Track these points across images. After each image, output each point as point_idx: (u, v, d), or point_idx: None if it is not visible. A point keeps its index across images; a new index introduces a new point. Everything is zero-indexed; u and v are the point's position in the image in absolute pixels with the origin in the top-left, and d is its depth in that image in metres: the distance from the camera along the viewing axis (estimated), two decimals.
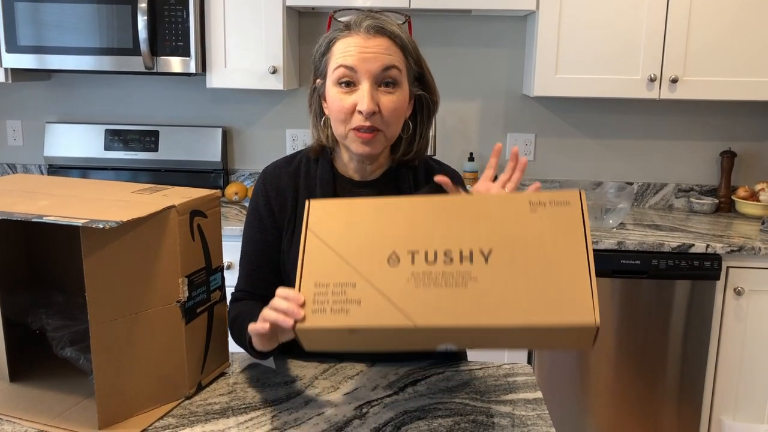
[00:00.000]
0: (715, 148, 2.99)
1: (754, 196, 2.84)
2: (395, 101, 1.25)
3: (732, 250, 2.37)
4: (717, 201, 2.93)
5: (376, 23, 1.25)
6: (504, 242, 0.99)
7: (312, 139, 1.39)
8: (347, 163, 1.37)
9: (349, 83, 1.24)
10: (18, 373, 1.25)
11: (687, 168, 3.03)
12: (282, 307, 0.99)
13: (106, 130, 3.04)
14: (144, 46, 2.56)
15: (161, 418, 1.14)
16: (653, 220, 2.76)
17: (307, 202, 1.07)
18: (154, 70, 2.62)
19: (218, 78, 2.71)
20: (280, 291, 1.03)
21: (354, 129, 1.25)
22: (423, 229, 1.02)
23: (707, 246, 2.37)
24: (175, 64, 2.62)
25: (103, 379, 1.07)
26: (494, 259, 0.98)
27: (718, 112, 2.97)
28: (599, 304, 0.94)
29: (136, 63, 2.62)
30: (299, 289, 1.00)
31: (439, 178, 1.22)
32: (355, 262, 1.02)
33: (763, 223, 2.61)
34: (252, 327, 1.08)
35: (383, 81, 1.24)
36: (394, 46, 1.25)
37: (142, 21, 2.54)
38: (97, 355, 1.05)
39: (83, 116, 3.14)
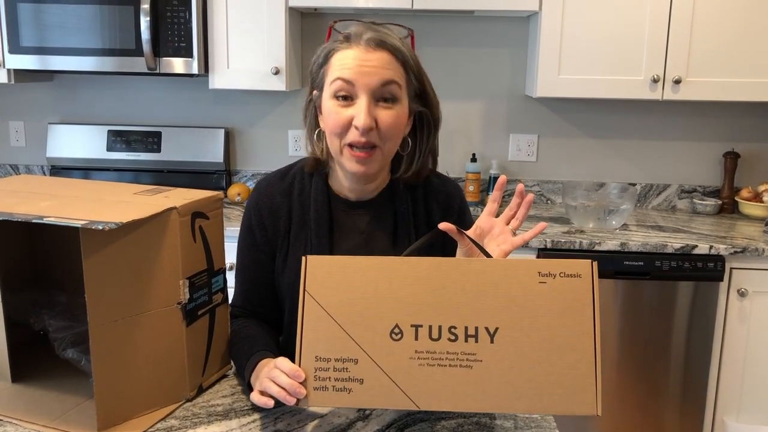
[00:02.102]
0: (719, 149, 2.98)
1: (757, 197, 2.83)
2: (394, 116, 1.21)
3: (735, 252, 2.36)
4: (720, 202, 2.92)
5: (377, 36, 1.20)
6: (510, 319, 0.97)
7: (307, 151, 1.35)
8: (342, 181, 1.32)
9: (346, 97, 1.20)
10: (20, 373, 1.25)
11: (690, 169, 3.02)
12: (284, 384, 1.00)
13: (109, 131, 3.04)
14: (147, 47, 2.57)
15: (163, 419, 1.13)
16: (656, 221, 2.76)
17: (303, 260, 1.02)
18: (157, 71, 2.63)
19: (221, 79, 2.71)
20: (281, 364, 1.03)
21: (349, 145, 1.21)
22: (427, 298, 0.99)
23: (710, 247, 2.37)
24: (177, 65, 2.62)
25: (103, 381, 1.07)
26: (500, 338, 0.97)
27: (721, 113, 2.96)
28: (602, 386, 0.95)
29: (139, 64, 2.62)
30: (299, 362, 1.00)
31: (444, 226, 1.17)
32: (356, 334, 0.99)
33: (766, 224, 2.60)
34: (256, 399, 1.06)
35: (382, 96, 1.20)
36: (395, 61, 1.21)
37: (144, 22, 2.54)
38: (96, 357, 1.05)
39: (86, 117, 3.14)
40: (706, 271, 2.38)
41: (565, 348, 0.96)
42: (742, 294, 2.40)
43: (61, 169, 3.08)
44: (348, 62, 1.19)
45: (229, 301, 1.31)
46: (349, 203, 1.33)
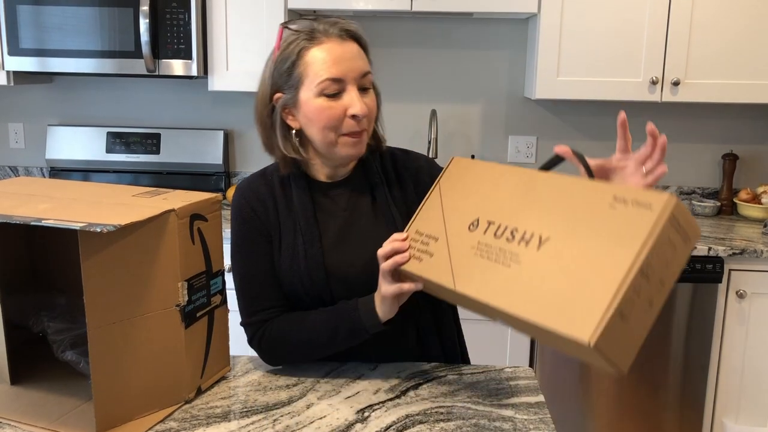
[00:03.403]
0: (717, 150, 2.99)
1: (756, 199, 2.83)
2: (374, 101, 1.29)
3: (734, 253, 2.36)
4: (719, 204, 2.92)
5: (345, 25, 1.26)
6: (565, 233, 0.98)
7: (274, 157, 1.35)
8: (318, 168, 1.36)
9: (335, 92, 1.24)
10: (19, 375, 1.25)
11: (689, 170, 3.02)
12: (386, 248, 1.17)
13: (108, 133, 3.04)
14: (146, 48, 2.57)
15: (162, 421, 1.13)
16: None
17: (451, 159, 1.22)
18: (156, 73, 2.63)
19: (220, 81, 2.71)
20: (382, 250, 1.18)
21: (344, 134, 1.26)
22: (512, 203, 1.08)
23: (709, 249, 2.37)
24: (176, 67, 2.62)
25: (101, 383, 1.07)
26: (546, 247, 0.99)
27: (720, 115, 2.97)
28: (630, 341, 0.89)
29: (138, 66, 2.62)
30: (406, 230, 1.19)
31: (559, 149, 1.17)
32: (448, 219, 1.14)
33: (765, 226, 2.61)
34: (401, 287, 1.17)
35: (363, 86, 1.26)
36: (362, 50, 1.28)
37: (144, 24, 2.54)
38: (95, 359, 1.05)
39: (85, 119, 3.14)
40: (705, 272, 2.39)
41: (596, 272, 0.91)
42: (740, 295, 2.40)
43: (60, 171, 3.08)
44: (330, 58, 1.23)
45: (228, 306, 1.30)
46: (327, 185, 1.37)
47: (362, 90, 1.26)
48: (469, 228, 1.10)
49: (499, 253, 1.03)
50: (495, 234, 1.06)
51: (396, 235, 1.18)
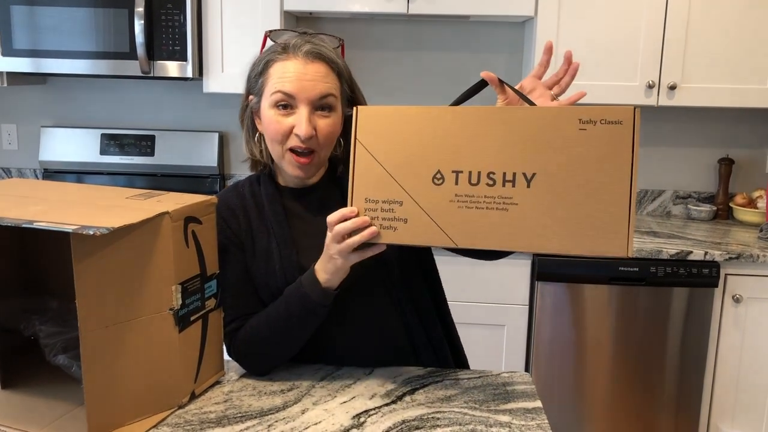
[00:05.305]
0: (713, 155, 2.99)
1: (752, 204, 2.83)
2: (331, 125, 1.27)
3: (730, 258, 2.36)
4: (715, 208, 2.92)
5: (314, 48, 1.26)
6: (548, 165, 1.02)
7: (246, 154, 1.40)
8: (286, 176, 1.37)
9: (286, 106, 1.25)
10: (10, 380, 1.24)
11: (685, 175, 3.02)
12: (349, 228, 1.10)
13: (102, 135, 3.02)
14: (141, 50, 2.55)
15: (155, 426, 1.12)
16: (651, 227, 2.76)
17: (354, 110, 1.12)
18: (151, 75, 2.61)
19: (215, 82, 2.69)
20: (331, 218, 1.12)
21: (290, 150, 1.27)
22: (469, 145, 1.06)
23: (705, 253, 2.37)
24: (171, 68, 2.61)
25: (94, 388, 1.05)
26: (536, 183, 1.02)
27: (716, 119, 2.97)
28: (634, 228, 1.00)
29: (133, 67, 2.60)
30: (351, 203, 1.11)
31: (485, 74, 1.21)
32: (401, 178, 1.09)
33: (761, 231, 2.61)
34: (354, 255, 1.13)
35: (320, 106, 1.26)
36: (331, 72, 1.27)
37: (138, 25, 2.53)
38: (87, 363, 1.04)
39: (79, 120, 3.13)
40: (701, 277, 2.38)
41: (601, 192, 0.99)
42: (736, 300, 2.40)
43: (54, 173, 3.06)
44: (288, 74, 1.25)
45: (222, 310, 1.29)
46: (296, 192, 1.38)
47: (321, 110, 1.26)
48: (433, 181, 1.07)
49: (487, 200, 1.04)
50: (470, 182, 1.05)
51: (346, 211, 1.11)
